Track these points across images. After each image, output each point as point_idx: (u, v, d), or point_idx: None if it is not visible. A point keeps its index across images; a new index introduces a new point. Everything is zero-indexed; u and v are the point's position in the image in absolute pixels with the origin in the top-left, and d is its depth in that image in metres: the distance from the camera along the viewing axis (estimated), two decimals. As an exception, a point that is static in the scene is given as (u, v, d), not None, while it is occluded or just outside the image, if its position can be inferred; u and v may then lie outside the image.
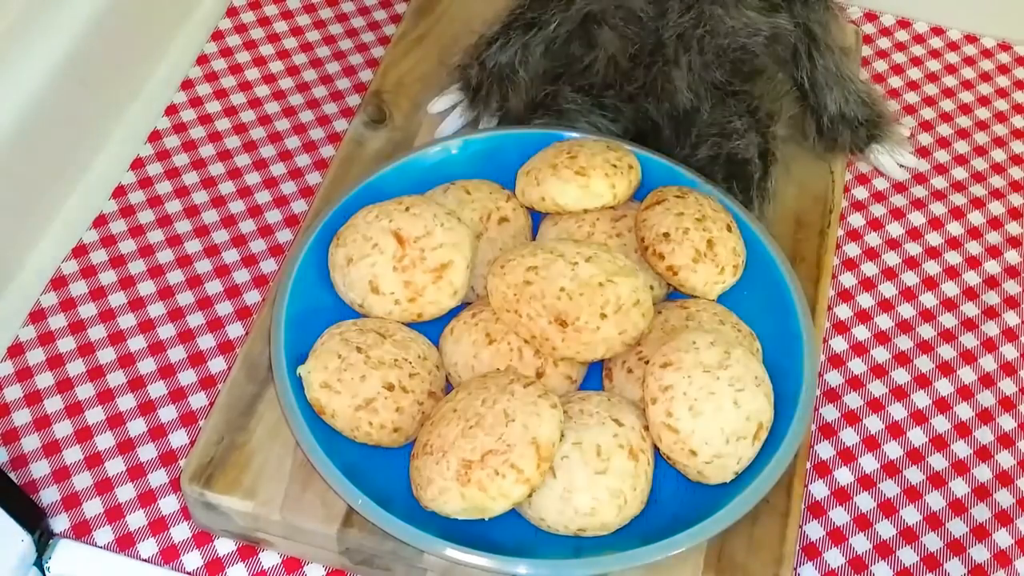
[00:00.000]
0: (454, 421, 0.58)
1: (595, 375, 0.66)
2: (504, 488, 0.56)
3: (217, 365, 0.73)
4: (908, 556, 0.68)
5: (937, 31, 0.94)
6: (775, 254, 0.67)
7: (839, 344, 0.76)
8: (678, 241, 0.64)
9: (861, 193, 0.83)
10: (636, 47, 0.70)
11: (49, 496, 0.68)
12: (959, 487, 0.71)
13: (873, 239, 0.81)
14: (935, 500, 0.70)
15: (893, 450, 0.72)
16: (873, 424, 0.73)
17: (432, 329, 0.65)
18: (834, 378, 0.74)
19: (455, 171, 0.71)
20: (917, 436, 0.72)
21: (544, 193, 0.67)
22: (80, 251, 0.77)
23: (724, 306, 0.66)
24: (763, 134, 0.71)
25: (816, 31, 0.72)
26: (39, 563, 0.65)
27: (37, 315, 0.74)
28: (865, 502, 0.70)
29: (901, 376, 0.75)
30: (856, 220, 0.82)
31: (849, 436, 0.72)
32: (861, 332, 0.77)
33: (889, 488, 0.70)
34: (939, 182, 0.85)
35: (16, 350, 0.73)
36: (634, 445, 0.59)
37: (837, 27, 0.74)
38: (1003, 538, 0.69)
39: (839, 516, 0.69)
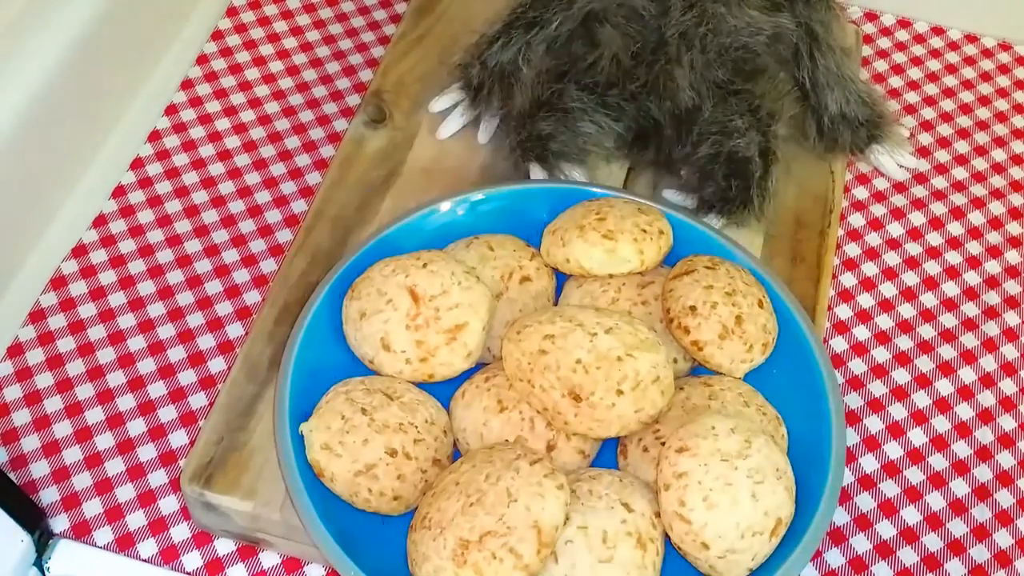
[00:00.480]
0: (455, 495, 0.55)
1: (610, 449, 0.62)
2: (501, 573, 0.52)
3: (217, 365, 0.73)
4: (908, 556, 0.68)
5: (937, 31, 0.94)
6: (808, 333, 0.64)
7: (839, 344, 0.76)
8: (705, 316, 0.61)
9: (861, 193, 0.83)
10: (638, 45, 0.69)
11: (49, 496, 0.68)
12: (959, 487, 0.71)
13: (873, 239, 0.81)
14: (935, 500, 0.70)
15: (893, 450, 0.72)
16: (873, 424, 0.73)
17: (445, 389, 0.63)
18: (834, 378, 0.74)
19: (480, 223, 0.69)
20: (917, 436, 0.72)
21: (569, 255, 0.64)
22: (80, 251, 0.77)
23: (751, 385, 0.63)
24: (764, 133, 0.71)
25: (818, 31, 0.72)
26: (39, 563, 0.65)
27: (37, 315, 0.74)
28: (865, 502, 0.69)
29: (901, 376, 0.75)
30: (856, 220, 0.82)
31: (849, 436, 0.72)
32: (861, 332, 0.77)
33: (889, 488, 0.70)
34: (939, 182, 0.85)
35: (16, 350, 0.73)
36: (643, 533, 0.56)
37: (838, 27, 0.73)
38: (1003, 538, 0.69)
39: (839, 516, 0.69)
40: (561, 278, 0.68)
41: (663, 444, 0.58)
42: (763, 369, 0.64)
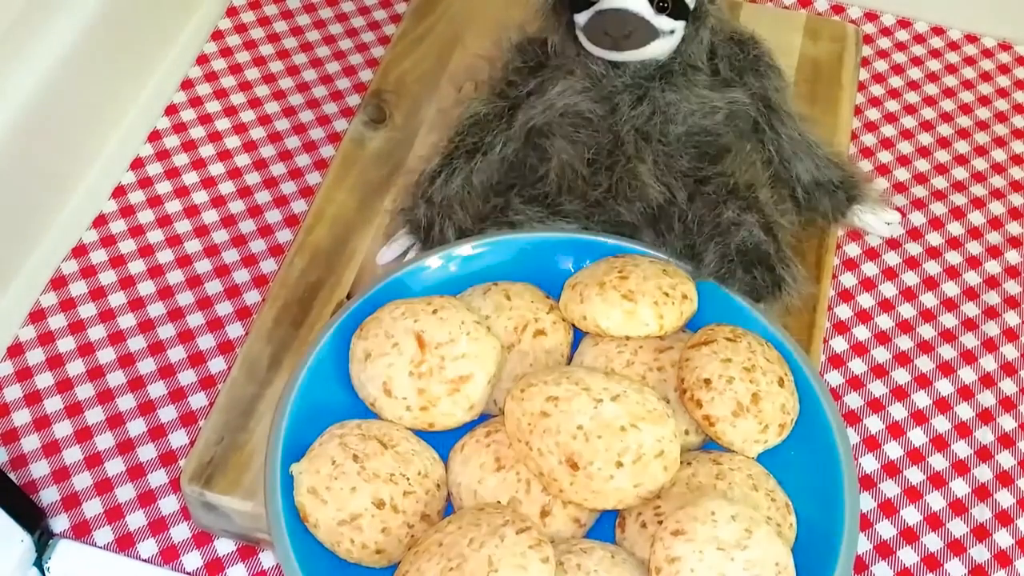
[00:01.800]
0: (436, 558, 0.52)
1: (610, 518, 0.59)
2: None
3: (217, 365, 0.73)
4: (908, 556, 0.68)
5: (937, 31, 0.94)
6: (831, 418, 0.59)
7: (839, 344, 0.76)
8: (719, 390, 0.58)
9: (861, 193, 0.83)
10: (592, 150, 0.65)
11: (49, 496, 0.68)
12: (959, 487, 0.71)
13: (873, 239, 0.81)
14: (935, 500, 0.70)
15: (893, 450, 0.72)
16: (873, 424, 0.73)
17: (447, 437, 0.60)
18: (834, 378, 0.74)
19: (502, 269, 0.66)
20: (917, 436, 0.72)
21: (587, 312, 0.62)
22: (80, 251, 0.77)
23: (763, 466, 0.59)
24: (756, 209, 0.66)
25: (773, 99, 0.69)
26: (39, 563, 0.65)
27: (37, 315, 0.74)
28: (865, 502, 0.69)
29: (901, 376, 0.75)
30: (856, 220, 0.82)
31: (849, 436, 0.72)
32: (861, 332, 0.77)
33: (889, 488, 0.70)
34: (939, 182, 0.85)
35: (16, 350, 0.73)
36: None
37: (791, 94, 0.71)
38: (1003, 538, 0.69)
39: (839, 516, 0.69)
40: (579, 333, 0.65)
41: (660, 523, 0.55)
42: (779, 449, 0.60)
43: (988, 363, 0.76)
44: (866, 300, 0.78)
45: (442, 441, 0.60)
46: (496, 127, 0.68)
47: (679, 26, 0.65)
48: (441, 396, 0.59)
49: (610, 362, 0.62)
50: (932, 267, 0.80)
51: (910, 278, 0.79)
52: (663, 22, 0.64)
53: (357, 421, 0.59)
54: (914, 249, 0.81)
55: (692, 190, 0.65)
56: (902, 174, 0.85)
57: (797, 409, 0.60)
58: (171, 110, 0.85)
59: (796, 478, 0.59)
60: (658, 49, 0.65)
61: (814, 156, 0.70)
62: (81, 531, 0.66)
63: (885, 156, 0.86)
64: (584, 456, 0.55)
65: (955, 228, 0.82)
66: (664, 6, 0.63)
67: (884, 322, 0.77)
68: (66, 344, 0.73)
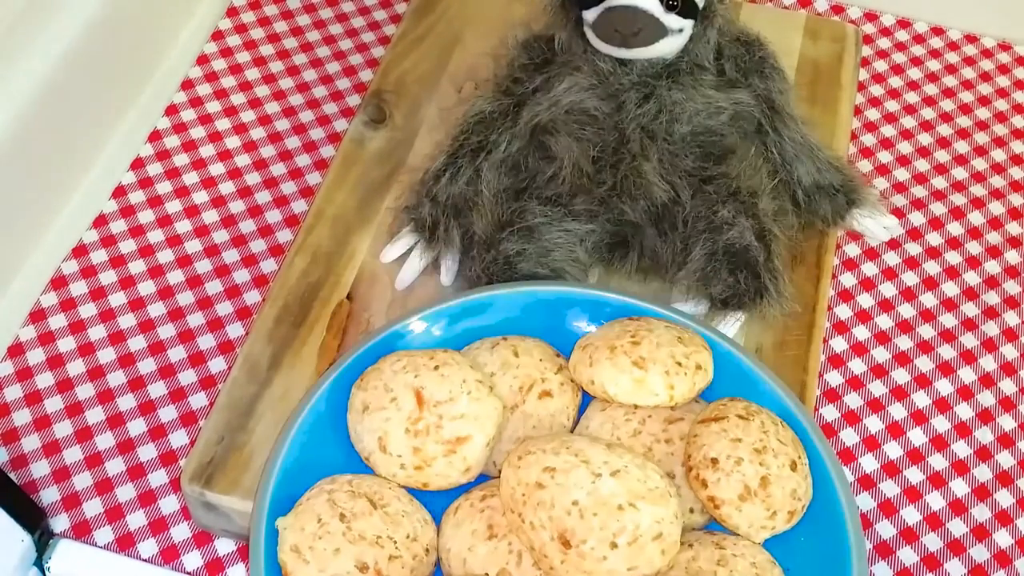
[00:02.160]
0: None
1: None
2: None
3: (217, 365, 0.73)
4: (908, 556, 0.68)
5: (937, 31, 0.94)
6: (845, 507, 0.57)
7: (839, 344, 0.76)
8: (726, 471, 0.55)
9: (861, 193, 0.83)
10: (598, 148, 0.65)
11: (49, 496, 0.68)
12: (959, 487, 0.71)
13: (873, 239, 0.81)
14: (935, 500, 0.70)
15: (893, 450, 0.72)
16: (873, 424, 0.73)
17: (443, 496, 0.59)
18: (834, 378, 0.74)
19: (515, 324, 0.64)
20: (917, 436, 0.72)
21: (595, 376, 0.59)
22: (80, 251, 0.77)
23: (770, 553, 0.56)
24: (753, 214, 0.65)
25: (777, 102, 0.69)
26: (39, 563, 0.65)
27: (37, 315, 0.74)
28: (865, 502, 0.69)
29: (901, 376, 0.75)
30: (856, 220, 0.82)
31: (849, 436, 0.72)
32: (861, 332, 0.77)
33: (889, 488, 0.70)
34: (939, 182, 0.85)
35: (16, 350, 0.73)
36: None
37: (794, 96, 0.71)
38: (1003, 538, 0.69)
39: (839, 516, 0.69)
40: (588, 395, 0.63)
41: None
42: (789, 534, 0.57)
43: (988, 363, 0.76)
44: (866, 300, 0.78)
45: (438, 498, 0.59)
46: (501, 125, 0.68)
47: (688, 24, 0.64)
48: (437, 456, 0.57)
49: (616, 429, 0.60)
50: (932, 267, 0.80)
51: (910, 278, 0.79)
52: (672, 20, 0.63)
53: (349, 477, 0.58)
54: (914, 249, 0.81)
55: (695, 189, 0.65)
56: (902, 174, 0.85)
57: (810, 494, 0.58)
58: (171, 110, 0.85)
59: (804, 566, 0.56)
60: (666, 47, 0.65)
61: (816, 159, 0.70)
62: (81, 531, 0.67)
63: (885, 156, 0.86)
64: (577, 534, 0.52)
65: (955, 228, 0.82)
66: (674, 4, 0.63)
67: (884, 322, 0.77)
68: (66, 344, 0.73)
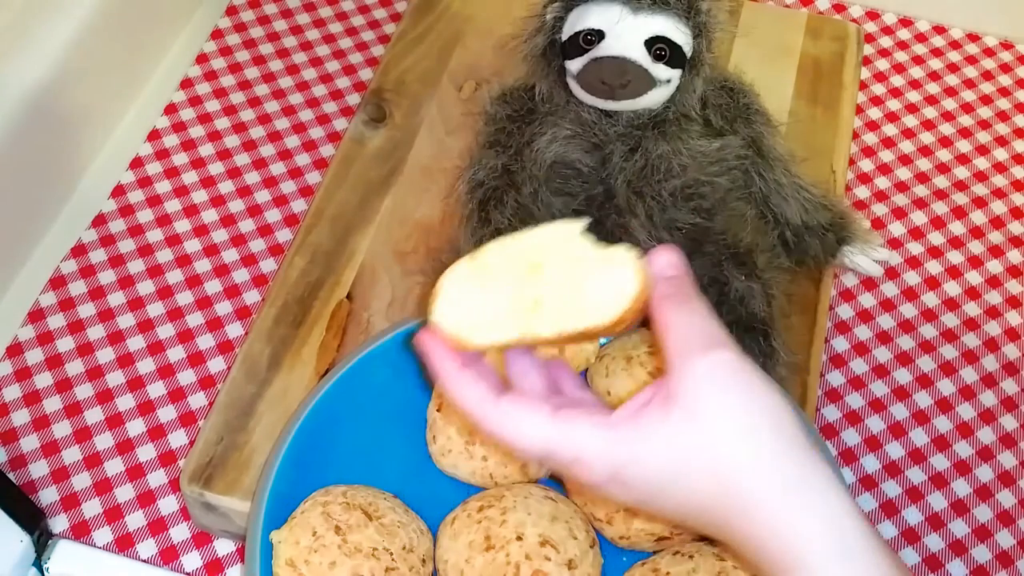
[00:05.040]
0: None
1: None
2: None
3: (217, 365, 0.73)
4: (910, 556, 0.68)
5: (939, 29, 0.94)
6: None
7: (841, 344, 0.76)
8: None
9: (863, 192, 0.83)
10: (581, 202, 0.64)
11: (48, 496, 0.67)
12: (961, 487, 0.70)
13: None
14: (937, 500, 0.70)
15: (895, 450, 0.72)
16: (875, 424, 0.72)
17: (438, 508, 0.58)
18: (835, 378, 0.74)
19: None
20: (919, 436, 0.72)
21: (611, 387, 0.59)
22: (79, 250, 0.77)
23: None
24: (759, 277, 0.64)
25: (763, 145, 0.68)
26: (38, 563, 0.65)
27: (36, 315, 0.74)
28: (867, 502, 0.69)
29: (903, 376, 0.75)
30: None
31: (851, 436, 0.72)
32: (863, 332, 0.76)
33: (891, 488, 0.70)
34: (941, 181, 0.84)
35: (15, 350, 0.73)
36: None
37: (777, 136, 0.69)
38: (1005, 538, 0.69)
39: (841, 516, 0.69)
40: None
41: None
42: None
43: (990, 363, 0.76)
44: (867, 300, 0.78)
45: (434, 508, 0.58)
46: (500, 190, 0.65)
47: (676, 75, 0.63)
48: None
49: None
50: (934, 267, 0.80)
51: (912, 278, 0.79)
52: (661, 71, 0.62)
53: (343, 488, 0.57)
54: (916, 249, 0.81)
55: (690, 248, 0.63)
56: (903, 173, 0.85)
57: None
58: (170, 109, 0.85)
59: None
60: (654, 99, 0.63)
61: (803, 200, 0.68)
62: (80, 531, 0.66)
63: (886, 155, 0.86)
64: None
65: (957, 227, 0.82)
66: (662, 54, 0.61)
67: (886, 322, 0.77)
68: (65, 344, 0.73)
